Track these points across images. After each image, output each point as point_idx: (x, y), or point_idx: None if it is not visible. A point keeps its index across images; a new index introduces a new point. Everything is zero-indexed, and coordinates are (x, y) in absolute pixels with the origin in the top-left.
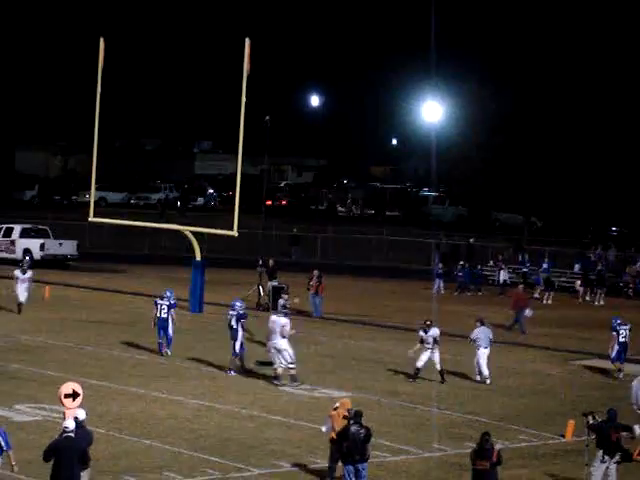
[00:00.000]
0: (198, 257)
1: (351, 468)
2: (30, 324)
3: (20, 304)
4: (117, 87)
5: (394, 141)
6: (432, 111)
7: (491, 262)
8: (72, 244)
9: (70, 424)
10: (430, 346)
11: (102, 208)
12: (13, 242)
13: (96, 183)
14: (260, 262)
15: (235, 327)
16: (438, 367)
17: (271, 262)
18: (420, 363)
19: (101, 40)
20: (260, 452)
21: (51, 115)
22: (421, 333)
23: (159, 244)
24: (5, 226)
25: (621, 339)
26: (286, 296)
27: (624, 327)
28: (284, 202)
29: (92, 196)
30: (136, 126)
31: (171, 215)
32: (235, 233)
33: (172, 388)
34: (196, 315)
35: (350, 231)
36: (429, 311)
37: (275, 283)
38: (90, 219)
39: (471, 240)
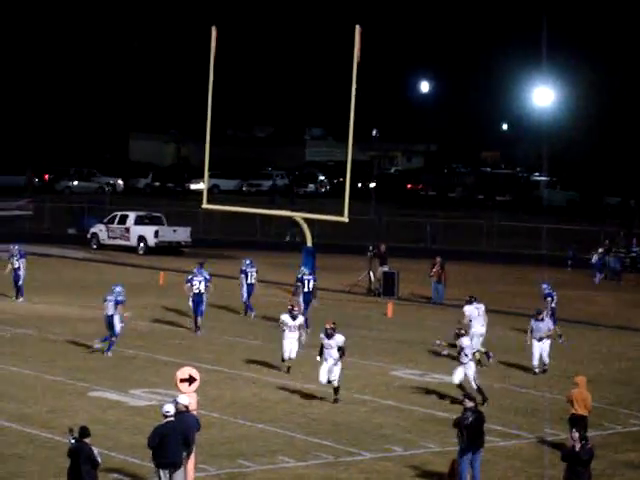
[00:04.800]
0: (309, 243)
1: (469, 455)
2: (145, 310)
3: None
4: (229, 75)
5: (504, 126)
6: (543, 96)
7: (600, 249)
8: (186, 231)
9: (170, 408)
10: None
11: (215, 195)
12: (128, 229)
13: (209, 171)
14: (371, 248)
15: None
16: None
17: (382, 248)
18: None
19: (213, 29)
20: (372, 436)
21: (164, 104)
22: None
23: (270, 231)
24: (120, 214)
25: None
26: None
27: None
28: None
29: (205, 183)
30: (248, 114)
31: (282, 202)
32: (346, 219)
33: (282, 374)
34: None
35: (460, 216)
36: (538, 296)
37: (386, 269)
38: (203, 206)
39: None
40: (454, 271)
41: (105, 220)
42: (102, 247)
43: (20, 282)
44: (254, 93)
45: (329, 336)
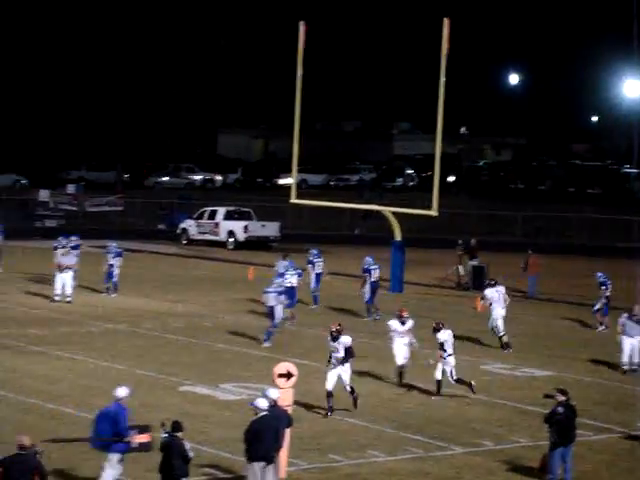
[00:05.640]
0: (398, 237)
1: (560, 449)
2: (234, 304)
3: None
4: (317, 70)
5: (594, 118)
6: (633, 88)
7: None
8: (275, 226)
9: (262, 403)
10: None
11: (303, 190)
12: (217, 224)
13: (297, 165)
14: (460, 242)
15: None
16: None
17: (472, 241)
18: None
19: (301, 24)
20: (462, 431)
21: (253, 99)
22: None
23: (357, 225)
24: (209, 209)
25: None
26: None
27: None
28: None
29: (294, 178)
30: (336, 108)
31: (370, 196)
32: (435, 213)
33: (374, 367)
34: (396, 295)
35: (550, 209)
36: (630, 291)
37: (475, 263)
38: (292, 201)
39: None
40: (544, 265)
41: (195, 215)
42: (192, 242)
43: (115, 279)
44: (342, 87)
45: (335, 339)
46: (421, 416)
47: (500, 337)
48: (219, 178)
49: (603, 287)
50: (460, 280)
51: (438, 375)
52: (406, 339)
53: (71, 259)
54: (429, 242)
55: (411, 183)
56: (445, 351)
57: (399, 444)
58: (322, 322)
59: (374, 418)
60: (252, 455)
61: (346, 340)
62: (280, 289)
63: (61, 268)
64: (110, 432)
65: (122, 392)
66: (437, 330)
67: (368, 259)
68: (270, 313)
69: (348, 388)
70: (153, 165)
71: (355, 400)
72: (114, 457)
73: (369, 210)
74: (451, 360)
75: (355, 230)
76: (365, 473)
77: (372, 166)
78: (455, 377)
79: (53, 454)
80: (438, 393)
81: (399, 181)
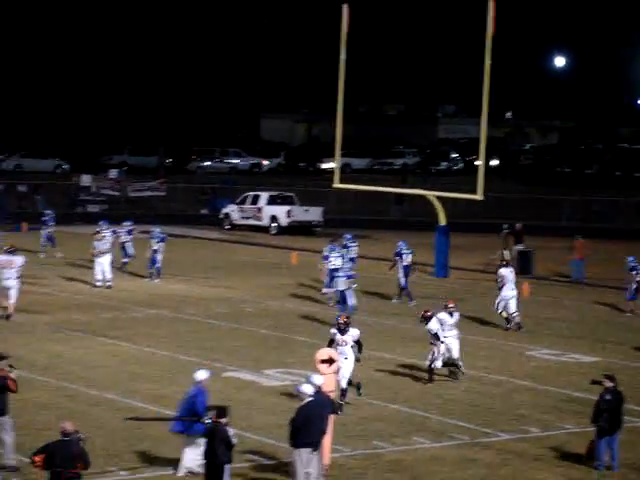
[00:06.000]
0: (442, 222)
1: (607, 437)
2: (278, 290)
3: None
4: (361, 53)
5: None
6: None
7: None
8: (318, 210)
9: (308, 389)
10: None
11: (346, 174)
12: (260, 209)
13: (340, 149)
14: (505, 226)
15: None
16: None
17: (518, 226)
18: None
19: (344, 7)
20: (508, 417)
21: (295, 83)
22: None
23: (394, 209)
24: (252, 194)
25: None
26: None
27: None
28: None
29: (337, 162)
30: (379, 92)
31: (414, 180)
32: (480, 197)
33: (420, 353)
34: (441, 279)
35: (597, 193)
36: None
37: (521, 247)
38: (335, 185)
39: None
40: (591, 249)
41: (237, 200)
42: (234, 227)
43: (158, 264)
44: (385, 71)
45: (342, 331)
46: (466, 402)
47: (508, 316)
48: (266, 163)
49: (633, 272)
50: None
51: (439, 364)
52: (455, 331)
53: (105, 244)
54: (474, 227)
55: (456, 167)
56: (438, 338)
57: (444, 431)
58: (363, 307)
59: (419, 405)
60: (299, 441)
61: (354, 333)
62: (350, 273)
63: (96, 254)
64: (188, 414)
65: (202, 375)
66: (428, 319)
67: (401, 243)
68: (342, 298)
69: (344, 385)
70: (200, 150)
71: (340, 405)
72: (194, 439)
73: (403, 194)
74: (443, 347)
75: (394, 213)
76: (410, 460)
77: (416, 150)
78: (433, 365)
79: (98, 440)
80: (431, 380)
81: (444, 165)
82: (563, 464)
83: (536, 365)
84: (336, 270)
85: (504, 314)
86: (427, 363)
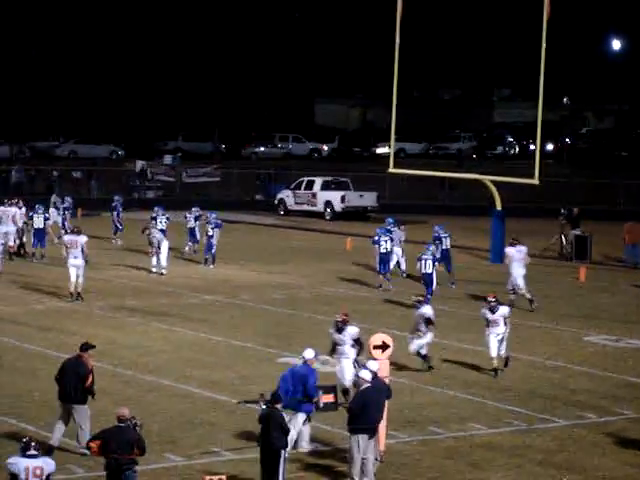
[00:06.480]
0: (498, 207)
1: None
2: (332, 275)
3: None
4: (415, 38)
5: None
6: None
7: None
8: (372, 196)
9: (366, 374)
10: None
11: (401, 159)
12: (314, 195)
13: (395, 134)
14: (563, 211)
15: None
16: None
17: (575, 210)
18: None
19: None
20: (565, 403)
21: (349, 68)
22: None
23: (456, 194)
24: (307, 179)
25: None
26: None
27: None
28: None
29: (392, 147)
30: (434, 76)
31: (470, 165)
32: (536, 181)
33: (475, 340)
34: (497, 265)
35: None
36: None
37: (578, 232)
38: (390, 170)
39: None
40: None
41: (292, 186)
42: (289, 213)
43: (213, 250)
44: (440, 55)
45: (340, 330)
46: (523, 388)
47: (523, 295)
48: (326, 148)
49: None
50: (563, 250)
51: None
52: (499, 329)
53: (159, 232)
54: (530, 211)
55: (512, 151)
56: (427, 326)
57: (501, 417)
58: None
59: (476, 390)
60: (357, 427)
61: (353, 331)
62: (436, 256)
63: (152, 240)
64: (299, 392)
65: (310, 353)
66: (420, 304)
67: (437, 227)
68: (429, 280)
69: (347, 383)
70: (257, 135)
71: (342, 404)
72: (301, 417)
73: (452, 178)
74: (430, 336)
75: (444, 199)
76: (466, 446)
77: (472, 134)
78: (419, 352)
79: (153, 425)
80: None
81: (499, 149)
82: (621, 450)
83: (593, 351)
84: (386, 254)
85: (527, 295)
86: (424, 351)
